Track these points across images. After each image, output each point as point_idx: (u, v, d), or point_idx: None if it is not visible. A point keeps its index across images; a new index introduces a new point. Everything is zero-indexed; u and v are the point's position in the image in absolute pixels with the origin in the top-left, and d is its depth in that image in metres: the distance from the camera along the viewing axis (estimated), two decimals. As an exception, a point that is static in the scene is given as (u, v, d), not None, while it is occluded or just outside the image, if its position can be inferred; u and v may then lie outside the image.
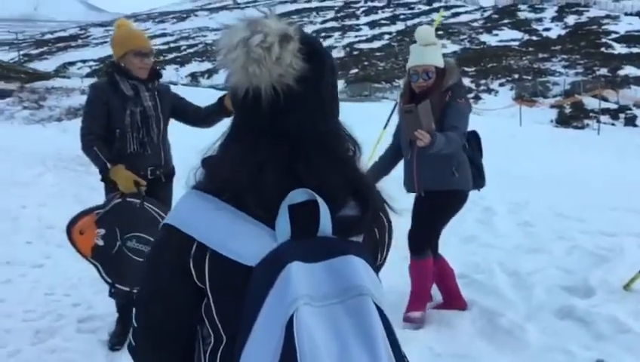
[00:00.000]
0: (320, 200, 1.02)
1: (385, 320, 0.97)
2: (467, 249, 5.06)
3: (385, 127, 6.88)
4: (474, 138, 3.69)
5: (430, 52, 3.47)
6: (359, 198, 1.10)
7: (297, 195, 1.02)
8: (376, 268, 1.16)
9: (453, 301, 3.83)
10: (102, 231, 3.10)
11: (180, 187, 1.26)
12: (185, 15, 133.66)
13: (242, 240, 1.01)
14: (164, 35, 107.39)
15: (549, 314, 3.64)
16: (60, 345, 3.46)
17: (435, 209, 3.58)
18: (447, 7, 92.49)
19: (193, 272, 1.04)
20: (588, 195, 6.61)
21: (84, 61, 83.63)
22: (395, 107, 6.77)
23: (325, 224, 1.02)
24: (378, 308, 0.97)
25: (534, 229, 5.47)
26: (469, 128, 3.65)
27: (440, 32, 73.84)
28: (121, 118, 3.26)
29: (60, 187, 7.59)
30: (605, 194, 6.65)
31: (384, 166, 3.81)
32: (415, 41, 3.54)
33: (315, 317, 0.92)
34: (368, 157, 7.05)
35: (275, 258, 0.97)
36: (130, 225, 3.12)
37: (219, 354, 1.07)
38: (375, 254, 1.16)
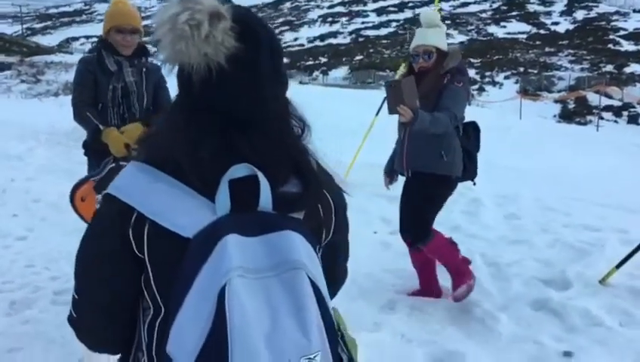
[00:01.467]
0: (260, 176, 1.03)
1: (319, 294, 0.99)
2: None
3: (377, 114, 6.86)
4: (473, 129, 3.66)
5: (432, 34, 3.50)
6: (301, 176, 1.12)
7: (238, 170, 1.03)
8: (321, 246, 1.19)
9: (429, 290, 3.83)
10: (100, 197, 3.11)
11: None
12: None
13: (181, 211, 1.02)
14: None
15: (523, 305, 3.65)
16: (34, 316, 3.48)
17: (423, 196, 3.56)
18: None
19: (133, 242, 1.05)
20: (577, 190, 6.60)
21: (87, 37, 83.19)
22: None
23: (265, 199, 1.04)
24: (313, 283, 0.99)
25: (520, 222, 5.47)
26: (470, 119, 3.64)
27: (447, 22, 73.53)
28: (105, 92, 3.31)
29: (51, 161, 7.60)
30: (595, 190, 6.64)
31: (393, 163, 3.88)
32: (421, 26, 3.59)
33: (249, 288, 0.94)
34: (360, 143, 7.05)
35: (213, 230, 0.98)
36: None
37: (157, 325, 1.07)
38: (319, 232, 1.17)
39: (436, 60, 3.49)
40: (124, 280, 1.09)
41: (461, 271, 3.61)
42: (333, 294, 1.37)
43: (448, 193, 3.63)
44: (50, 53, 23.98)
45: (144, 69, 3.42)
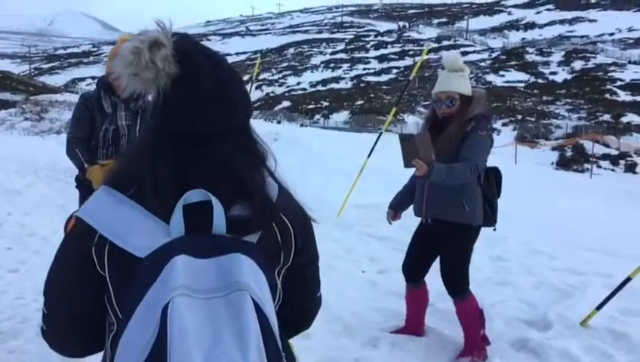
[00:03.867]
0: (215, 201, 1.10)
1: (262, 316, 1.03)
2: (437, 278, 5.11)
3: (369, 156, 6.99)
4: (494, 175, 3.56)
5: (455, 78, 3.39)
6: (250, 199, 1.18)
7: (193, 195, 1.11)
8: (280, 269, 1.25)
9: (415, 329, 3.84)
10: None
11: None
12: (197, 39, 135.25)
13: (138, 233, 1.10)
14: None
15: (504, 345, 3.69)
16: (20, 347, 3.51)
17: (457, 244, 3.47)
18: (455, 47, 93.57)
19: (95, 260, 1.13)
20: (565, 235, 6.67)
21: (93, 78, 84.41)
22: (379, 137, 6.91)
23: (219, 223, 1.11)
24: (257, 306, 1.03)
25: (505, 264, 5.52)
26: (491, 164, 3.54)
27: (447, 70, 74.63)
28: (98, 132, 3.44)
29: (48, 197, 7.70)
30: (583, 236, 6.72)
31: (407, 194, 3.77)
32: (443, 68, 3.50)
33: (193, 307, 0.99)
34: (352, 184, 7.17)
35: (164, 251, 1.05)
36: None
37: (118, 341, 1.14)
38: (276, 256, 1.23)
39: (460, 106, 3.36)
40: (87, 296, 1.17)
41: (475, 345, 3.52)
42: (305, 324, 1.42)
43: (472, 242, 3.50)
44: (55, 93, 24.40)
45: (140, 110, 3.51)
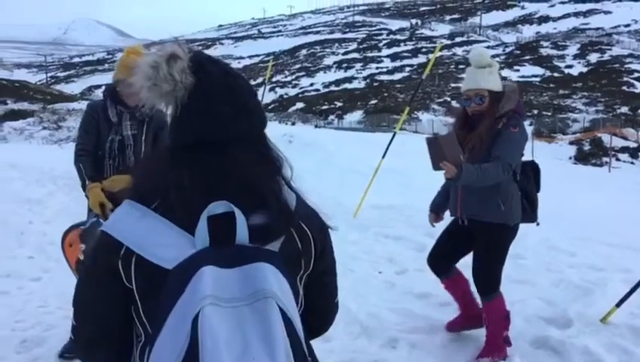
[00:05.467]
0: (237, 212, 1.14)
1: (288, 322, 1.06)
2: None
3: (383, 157, 6.98)
4: (531, 169, 3.47)
5: (483, 75, 3.30)
6: (268, 207, 1.21)
7: (216, 207, 1.14)
8: (302, 276, 1.28)
9: (468, 318, 3.72)
10: (83, 247, 3.23)
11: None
12: (210, 43, 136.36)
13: (164, 245, 1.13)
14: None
15: (524, 343, 3.68)
16: (44, 354, 3.58)
17: (490, 244, 3.39)
18: (469, 42, 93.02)
19: (122, 273, 1.17)
20: (584, 231, 6.62)
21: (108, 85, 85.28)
22: (392, 138, 6.90)
23: (242, 234, 1.14)
24: (283, 312, 1.06)
25: (524, 261, 5.48)
26: (528, 158, 3.47)
27: (461, 66, 74.21)
28: (104, 142, 3.43)
29: (67, 205, 7.79)
30: (602, 231, 6.65)
31: (446, 194, 3.69)
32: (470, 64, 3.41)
33: (222, 315, 1.02)
34: (367, 184, 7.17)
35: (191, 262, 1.08)
36: None
37: (147, 351, 1.17)
38: (297, 263, 1.26)
39: (490, 103, 3.27)
40: (114, 308, 1.21)
41: (497, 345, 3.48)
42: (323, 329, 1.45)
43: (509, 241, 3.44)
44: (72, 101, 24.70)
45: (146, 119, 3.48)
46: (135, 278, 1.16)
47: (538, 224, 3.55)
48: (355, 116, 54.72)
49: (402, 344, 3.73)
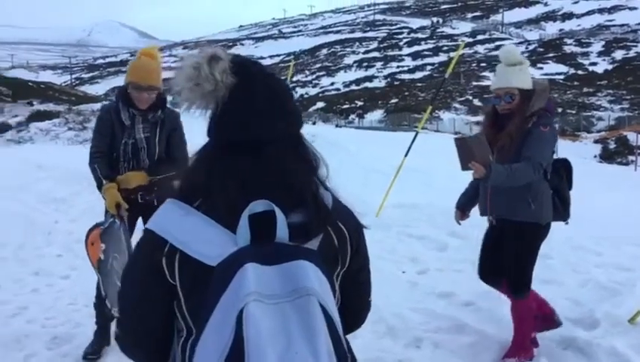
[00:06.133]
0: (277, 211, 1.16)
1: (330, 320, 1.08)
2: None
3: (406, 155, 6.97)
4: (563, 167, 3.41)
5: (513, 73, 3.24)
6: (307, 206, 1.23)
7: (257, 206, 1.16)
8: (338, 274, 1.31)
9: (547, 317, 3.58)
10: (103, 246, 3.28)
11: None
12: (231, 44, 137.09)
13: (207, 242, 1.16)
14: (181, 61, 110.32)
15: (551, 344, 3.65)
16: (73, 351, 3.64)
17: (520, 243, 3.34)
18: (490, 40, 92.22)
19: (166, 270, 1.20)
20: (611, 230, 6.51)
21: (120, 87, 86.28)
22: (415, 137, 6.89)
23: (282, 231, 1.16)
24: (324, 309, 1.08)
25: (551, 261, 5.42)
26: (560, 156, 3.38)
27: (483, 65, 73.65)
28: (119, 144, 3.44)
29: (92, 205, 7.90)
30: (629, 230, 6.53)
31: (473, 192, 3.65)
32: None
33: (265, 312, 1.05)
34: (390, 183, 7.16)
35: (234, 259, 1.11)
36: (115, 245, 3.28)
37: (188, 345, 1.21)
38: (334, 261, 1.29)
39: (520, 101, 3.21)
40: (157, 303, 1.24)
41: (524, 346, 3.44)
42: (355, 326, 1.47)
43: (540, 240, 3.38)
44: (96, 102, 25.02)
45: (160, 121, 3.49)
46: (179, 275, 1.19)
47: (567, 223, 3.50)
48: (375, 115, 54.64)
49: (426, 343, 3.72)
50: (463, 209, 3.75)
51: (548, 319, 3.60)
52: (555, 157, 3.39)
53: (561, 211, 3.38)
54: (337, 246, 1.28)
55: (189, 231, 1.18)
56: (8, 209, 7.18)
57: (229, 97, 1.22)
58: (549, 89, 3.38)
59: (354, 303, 1.40)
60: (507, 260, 3.43)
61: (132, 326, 1.29)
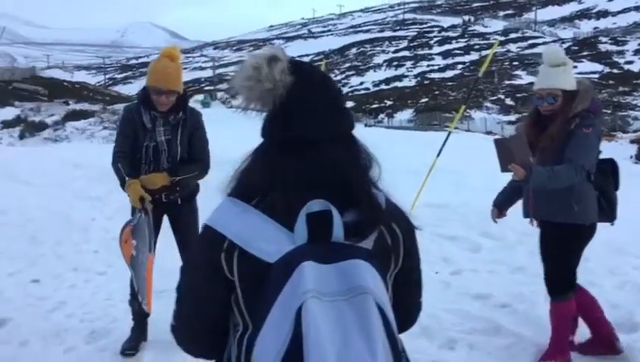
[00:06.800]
0: (334, 211, 1.17)
1: (385, 319, 1.10)
2: (515, 279, 5.02)
3: (438, 155, 6.91)
4: (610, 167, 3.36)
5: (556, 74, 3.21)
6: (362, 205, 1.24)
7: (314, 205, 1.18)
8: (391, 274, 1.31)
9: (604, 340, 3.45)
10: (134, 243, 3.34)
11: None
12: (261, 43, 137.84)
13: (265, 239, 1.18)
14: (240, 62, 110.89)
15: (588, 348, 3.58)
16: (111, 346, 3.72)
17: (560, 244, 3.31)
18: (524, 39, 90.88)
19: (224, 265, 1.22)
20: (649, 232, 6.36)
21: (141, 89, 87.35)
22: (448, 136, 6.83)
23: (338, 231, 1.18)
24: (380, 308, 1.10)
25: (588, 264, 5.31)
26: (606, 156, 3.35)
27: (515, 63, 72.62)
28: (140, 147, 3.48)
29: (127, 203, 8.04)
30: (669, 232, 6.38)
31: (512, 191, 3.60)
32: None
33: (323, 309, 1.06)
34: (421, 183, 7.11)
35: (292, 257, 1.13)
36: (142, 239, 3.35)
37: (245, 340, 1.23)
38: (387, 261, 1.29)
39: (563, 103, 3.18)
40: (217, 299, 1.27)
41: (560, 349, 3.39)
42: (407, 326, 1.48)
43: (584, 241, 3.34)
44: (129, 102, 25.43)
45: (181, 122, 3.50)
46: (237, 270, 1.21)
47: (613, 224, 3.44)
48: (405, 115, 54.30)
49: (461, 345, 3.69)
50: (500, 207, 3.70)
51: (605, 342, 3.45)
52: (600, 157, 3.32)
53: (608, 212, 3.32)
54: (391, 246, 1.29)
55: (248, 227, 1.20)
56: (47, 206, 7.37)
57: (287, 96, 1.24)
58: (592, 90, 3.31)
59: (405, 303, 1.40)
60: (546, 261, 3.39)
61: (189, 320, 1.32)
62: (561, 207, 3.19)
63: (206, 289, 1.26)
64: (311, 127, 1.25)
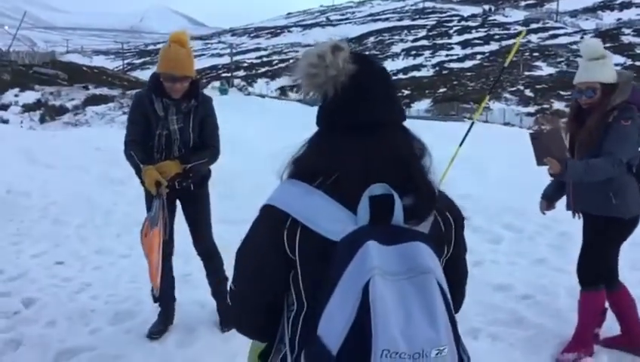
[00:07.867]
0: (395, 195, 1.20)
1: (445, 297, 1.14)
2: (536, 271, 5.01)
3: (460, 145, 6.86)
4: None
5: (595, 67, 3.22)
6: (417, 190, 1.28)
7: (376, 189, 1.21)
8: (443, 259, 1.34)
9: (634, 337, 3.43)
10: (156, 228, 3.32)
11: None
12: (279, 31, 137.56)
13: (329, 219, 1.21)
14: (257, 49, 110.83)
15: (612, 341, 3.57)
16: (135, 327, 3.79)
17: (596, 235, 3.32)
18: (545, 29, 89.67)
19: (286, 243, 1.24)
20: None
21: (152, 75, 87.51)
22: (471, 127, 6.77)
23: (398, 214, 1.21)
24: (440, 286, 1.14)
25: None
26: None
27: (535, 54, 71.68)
28: (153, 135, 3.45)
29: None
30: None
31: (559, 184, 3.57)
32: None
33: (387, 286, 1.10)
34: (442, 174, 7.08)
35: (356, 236, 1.16)
36: (154, 219, 3.34)
37: (300, 320, 1.27)
38: (441, 246, 1.32)
39: (602, 96, 3.19)
40: (274, 276, 1.29)
41: (584, 340, 3.39)
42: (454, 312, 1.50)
43: (624, 235, 3.33)
44: (148, 87, 25.50)
45: (193, 108, 3.48)
46: (299, 248, 1.24)
47: None
48: (422, 105, 53.95)
49: (483, 335, 3.70)
50: (549, 199, 3.69)
51: (633, 343, 3.42)
52: None
53: None
54: (444, 232, 1.33)
55: (311, 207, 1.23)
56: (70, 189, 7.46)
57: (349, 83, 1.28)
58: (631, 82, 3.28)
59: (453, 289, 1.41)
60: (582, 250, 3.39)
61: (245, 299, 1.35)
62: (600, 199, 3.19)
63: (266, 268, 1.29)
64: (375, 112, 1.29)
